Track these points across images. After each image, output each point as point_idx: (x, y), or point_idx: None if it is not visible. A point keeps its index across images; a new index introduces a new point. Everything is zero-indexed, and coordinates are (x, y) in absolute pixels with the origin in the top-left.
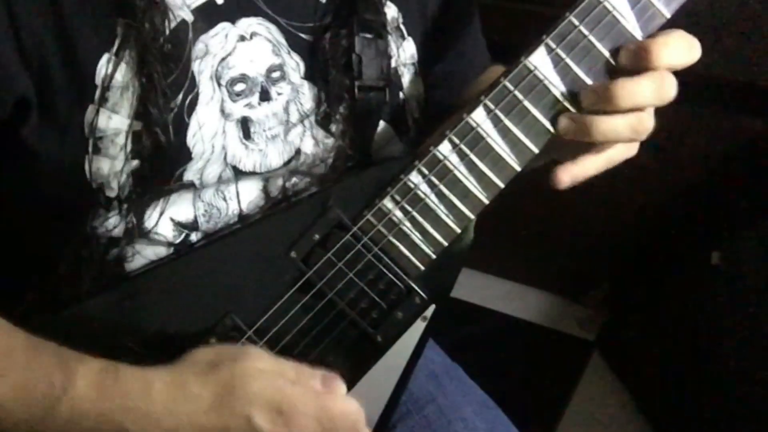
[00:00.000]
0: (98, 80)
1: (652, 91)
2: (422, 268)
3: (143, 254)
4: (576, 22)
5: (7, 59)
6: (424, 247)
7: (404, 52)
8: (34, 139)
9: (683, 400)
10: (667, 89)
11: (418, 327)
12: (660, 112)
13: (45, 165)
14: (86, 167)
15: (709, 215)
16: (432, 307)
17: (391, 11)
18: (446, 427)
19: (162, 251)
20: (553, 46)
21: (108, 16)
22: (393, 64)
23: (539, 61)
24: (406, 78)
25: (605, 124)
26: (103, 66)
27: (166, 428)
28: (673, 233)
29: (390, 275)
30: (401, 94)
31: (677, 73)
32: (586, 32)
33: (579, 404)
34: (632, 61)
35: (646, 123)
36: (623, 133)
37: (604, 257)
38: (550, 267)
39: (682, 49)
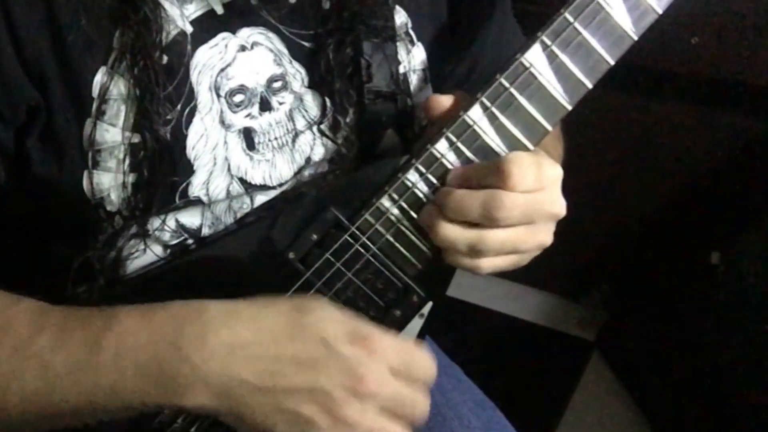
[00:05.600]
0: (95, 93)
1: (478, 205)
2: (419, 266)
3: (139, 253)
4: (570, 19)
5: (13, 67)
6: (421, 245)
7: (414, 58)
8: (37, 153)
9: (683, 400)
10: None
11: (416, 324)
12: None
13: (45, 180)
14: (85, 181)
15: (709, 215)
16: (429, 305)
17: (400, 17)
18: (442, 424)
19: (158, 251)
20: (548, 42)
21: (105, 28)
22: (402, 70)
23: (535, 57)
24: (415, 84)
25: (445, 229)
26: (100, 79)
27: (227, 346)
28: (673, 233)
29: (388, 274)
30: (409, 101)
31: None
32: (580, 29)
33: (579, 404)
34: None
35: (486, 242)
36: (458, 244)
37: (604, 257)
38: (550, 267)
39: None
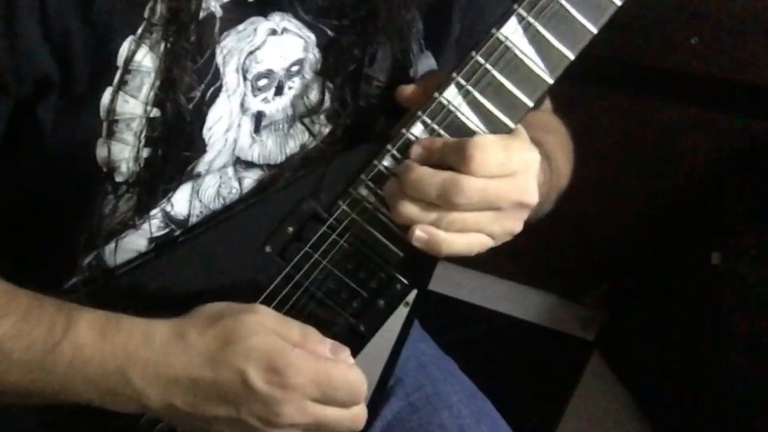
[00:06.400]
0: (120, 62)
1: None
2: (401, 254)
3: (124, 245)
4: None
5: (31, 36)
6: (401, 232)
7: (423, 65)
8: (49, 118)
9: (683, 400)
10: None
11: (401, 313)
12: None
13: (56, 145)
14: (97, 150)
15: (709, 215)
16: (414, 292)
17: (418, 25)
18: (432, 414)
19: (143, 243)
20: (524, 14)
21: None
22: (411, 74)
23: (510, 31)
24: None
25: (404, 207)
26: (127, 48)
27: (164, 378)
28: (673, 233)
29: (369, 263)
30: None
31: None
32: None
33: (579, 404)
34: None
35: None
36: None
37: (604, 257)
38: (550, 267)
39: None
